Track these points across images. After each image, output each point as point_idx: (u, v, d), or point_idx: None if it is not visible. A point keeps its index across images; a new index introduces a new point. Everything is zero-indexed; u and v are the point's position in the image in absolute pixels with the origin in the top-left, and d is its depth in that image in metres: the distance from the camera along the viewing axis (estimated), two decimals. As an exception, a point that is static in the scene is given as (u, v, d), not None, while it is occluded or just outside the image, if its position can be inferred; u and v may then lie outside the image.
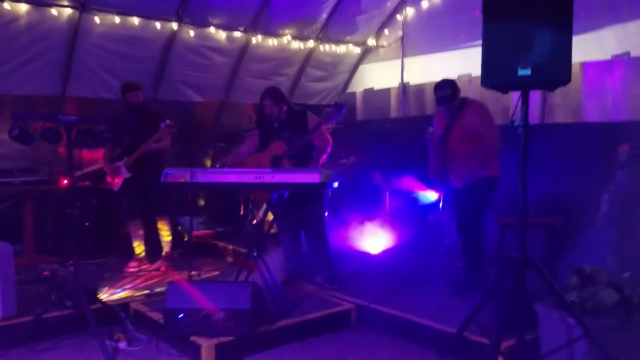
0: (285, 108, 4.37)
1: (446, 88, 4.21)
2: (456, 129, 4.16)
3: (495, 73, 2.71)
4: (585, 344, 2.84)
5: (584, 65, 5.22)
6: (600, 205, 4.45)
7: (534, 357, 3.05)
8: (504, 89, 2.95)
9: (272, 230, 4.70)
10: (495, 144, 3.98)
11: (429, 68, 6.86)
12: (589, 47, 5.18)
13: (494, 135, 4.00)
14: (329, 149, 4.37)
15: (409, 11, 7.03)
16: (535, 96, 5.43)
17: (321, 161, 4.38)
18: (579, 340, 2.84)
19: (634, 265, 4.07)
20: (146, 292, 4.41)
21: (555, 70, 2.60)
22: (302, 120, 4.35)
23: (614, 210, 4.38)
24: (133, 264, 5.19)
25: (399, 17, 7.14)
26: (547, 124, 5.48)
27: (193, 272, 4.62)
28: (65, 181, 5.19)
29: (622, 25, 5.09)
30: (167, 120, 4.91)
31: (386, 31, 7.34)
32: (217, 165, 4.16)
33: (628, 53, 5.02)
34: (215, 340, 3.30)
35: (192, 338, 3.36)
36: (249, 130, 6.93)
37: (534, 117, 5.45)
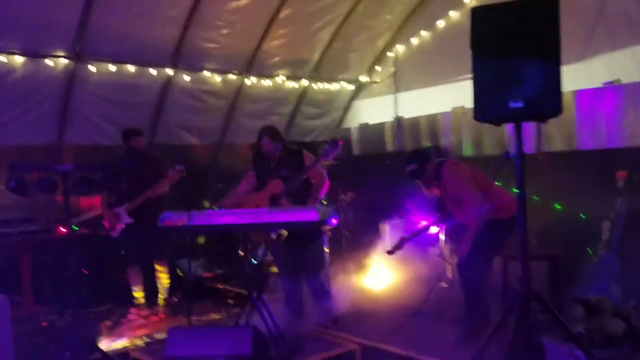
0: (281, 147, 4.38)
1: (412, 162, 4.22)
2: (444, 193, 4.15)
3: (487, 107, 2.72)
4: (596, 377, 2.77)
5: (576, 93, 5.28)
6: (601, 233, 4.43)
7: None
8: (497, 122, 2.96)
9: (272, 270, 4.66)
10: (475, 203, 3.80)
11: (423, 101, 6.96)
12: (580, 76, 5.26)
13: (471, 196, 3.87)
14: (326, 186, 4.38)
15: (400, 48, 7.17)
16: (529, 126, 5.47)
17: (319, 198, 4.37)
18: (589, 373, 2.77)
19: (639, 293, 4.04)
20: (146, 339, 4.33)
21: (547, 102, 2.62)
22: (298, 159, 4.37)
23: (616, 237, 4.36)
24: (132, 311, 5.11)
25: (389, 54, 7.27)
26: (542, 153, 5.50)
27: (193, 317, 4.54)
28: (63, 230, 5.17)
29: (611, 53, 5.18)
30: (178, 166, 4.93)
31: (378, 68, 7.46)
32: (215, 208, 4.14)
33: (619, 80, 5.09)
34: (217, 388, 3.22)
35: (194, 386, 3.28)
36: (246, 170, 6.99)
37: (530, 147, 5.47)
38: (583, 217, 4.71)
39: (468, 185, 3.94)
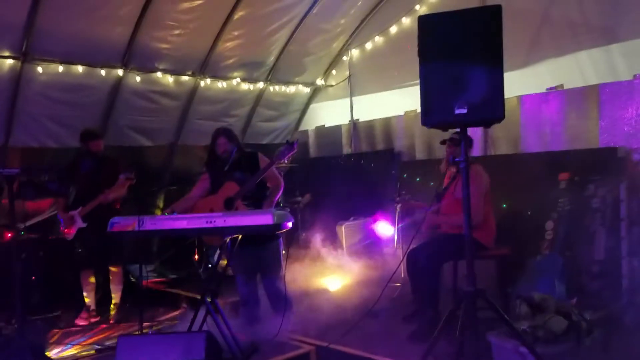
0: (235, 149, 4.37)
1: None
2: (454, 187, 4.25)
3: (433, 113, 2.81)
4: (539, 372, 2.89)
5: (521, 98, 5.47)
6: (545, 232, 4.61)
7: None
8: (443, 127, 3.05)
9: (227, 273, 4.63)
10: (475, 217, 3.75)
11: (377, 105, 7.07)
12: (525, 81, 5.46)
13: (476, 208, 3.79)
14: (281, 189, 4.39)
15: (354, 52, 7.26)
16: (477, 130, 5.64)
17: (274, 201, 4.38)
18: (533, 368, 2.89)
19: (581, 290, 4.22)
20: (96, 347, 4.24)
21: (490, 108, 2.72)
22: (253, 161, 4.36)
23: (559, 236, 4.54)
24: (83, 315, 4.99)
25: (345, 58, 7.35)
26: (489, 156, 5.67)
27: (145, 323, 4.47)
28: (9, 234, 4.99)
29: (555, 59, 5.39)
30: (127, 173, 4.84)
31: (334, 71, 7.53)
32: (166, 213, 4.08)
33: (562, 85, 5.30)
34: (169, 395, 3.19)
35: (145, 394, 3.23)
36: (200, 173, 6.92)
37: (477, 150, 5.65)
38: (529, 213, 4.87)
39: (479, 199, 4.02)
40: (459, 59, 2.75)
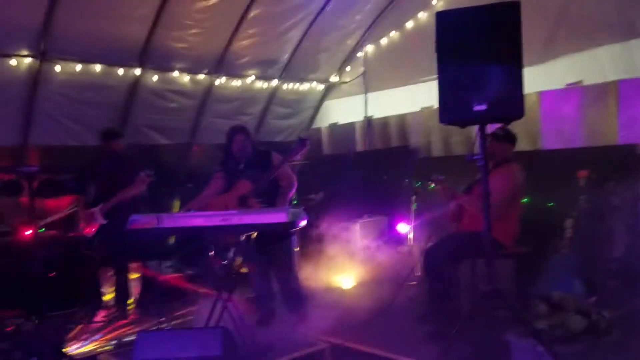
0: (250, 147, 4.38)
1: (505, 130, 4.13)
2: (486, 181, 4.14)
3: (451, 110, 2.79)
4: (557, 371, 2.86)
5: (541, 94, 5.41)
6: (564, 231, 4.56)
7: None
8: (461, 124, 3.03)
9: (242, 271, 4.66)
10: (497, 213, 3.67)
11: (392, 101, 7.04)
12: (544, 77, 5.40)
13: (499, 206, 3.76)
14: (294, 187, 4.41)
15: (369, 48, 7.23)
16: (494, 127, 5.58)
17: (288, 199, 4.39)
18: (551, 368, 2.86)
19: (600, 289, 4.17)
20: (115, 342, 4.28)
21: (509, 105, 2.69)
22: (266, 159, 4.37)
23: (578, 235, 4.49)
24: (102, 312, 5.05)
25: (359, 54, 7.33)
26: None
27: (162, 319, 4.51)
28: (29, 232, 5.06)
29: (574, 55, 5.33)
30: (147, 171, 4.88)
31: (348, 68, 7.51)
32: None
33: (581, 81, 5.23)
34: (187, 390, 3.21)
35: (164, 389, 3.26)
36: (219, 170, 6.95)
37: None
38: (551, 204, 4.81)
39: (506, 197, 3.93)
40: (478, 55, 2.73)
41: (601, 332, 3.01)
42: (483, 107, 2.70)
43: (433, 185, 4.27)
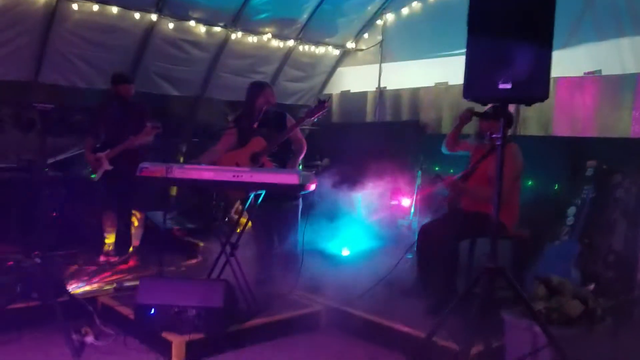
0: (265, 108, 4.37)
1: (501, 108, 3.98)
2: (486, 163, 4.08)
3: (476, 86, 2.76)
4: (550, 352, 2.92)
5: (557, 80, 5.37)
6: (566, 218, 4.59)
7: (500, 364, 3.13)
8: (484, 101, 3.02)
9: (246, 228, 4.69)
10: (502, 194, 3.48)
11: (407, 74, 6.95)
12: (562, 64, 5.33)
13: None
14: (303, 151, 4.44)
15: (389, 17, 7.11)
16: (509, 109, 5.56)
17: (297, 162, 4.40)
18: (544, 348, 2.92)
19: (595, 278, 4.23)
20: (114, 286, 4.34)
21: (535, 86, 2.67)
22: (280, 120, 4.38)
23: (580, 223, 4.52)
24: (102, 256, 5.11)
25: (379, 22, 7.22)
26: (518, 136, 5.60)
27: (163, 268, 4.57)
28: (37, 169, 5.07)
29: (595, 44, 5.26)
30: (154, 122, 4.87)
31: (366, 35, 7.40)
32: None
33: (600, 71, 5.19)
34: (186, 337, 3.28)
35: (163, 334, 3.33)
36: (224, 127, 6.94)
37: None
38: (555, 190, 4.82)
39: (512, 180, 3.90)
40: (508, 33, 2.69)
41: (596, 319, 3.07)
42: (508, 85, 2.68)
43: (441, 182, 4.24)
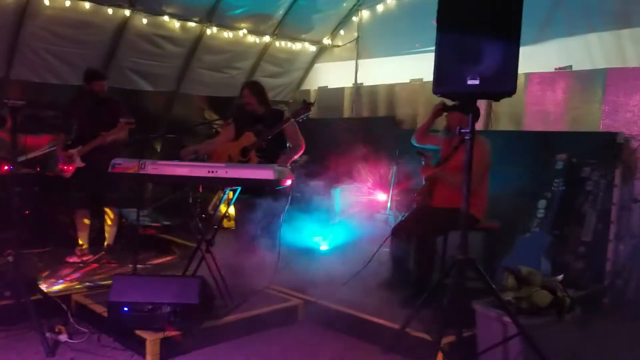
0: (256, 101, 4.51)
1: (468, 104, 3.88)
2: (456, 156, 4.05)
3: (446, 82, 2.81)
4: (520, 342, 2.99)
5: (528, 76, 5.46)
6: (537, 210, 4.69)
7: (472, 353, 3.19)
8: (453, 97, 3.06)
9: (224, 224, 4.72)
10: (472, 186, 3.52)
11: (383, 70, 7.02)
12: (533, 59, 5.43)
13: (474, 179, 3.56)
14: (300, 150, 4.51)
15: (365, 13, 7.15)
16: (480, 104, 5.62)
17: (291, 159, 4.46)
18: (514, 338, 2.99)
19: (565, 269, 4.33)
20: (88, 284, 4.31)
21: (502, 81, 2.73)
22: (277, 118, 4.45)
23: (550, 215, 4.62)
24: (76, 253, 5.05)
25: (354, 18, 7.26)
26: (490, 131, 5.70)
27: (139, 265, 4.54)
28: (6, 167, 4.99)
29: (566, 39, 5.36)
30: (127, 118, 4.83)
31: (342, 31, 7.44)
32: (191, 158, 4.40)
33: (570, 67, 5.29)
34: (160, 335, 3.27)
35: (137, 332, 3.31)
36: (202, 123, 6.93)
37: (479, 124, 5.65)
38: (527, 181, 4.89)
39: (482, 170, 4.00)
40: (477, 29, 2.75)
41: (565, 308, 3.14)
42: (476, 81, 2.73)
43: (423, 161, 4.31)
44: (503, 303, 3.01)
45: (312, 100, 7.75)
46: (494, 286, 3.04)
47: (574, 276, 4.45)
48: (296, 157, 4.50)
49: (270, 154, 4.34)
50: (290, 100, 7.80)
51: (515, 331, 2.97)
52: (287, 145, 4.51)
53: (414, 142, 4.61)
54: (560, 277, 3.35)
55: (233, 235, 4.59)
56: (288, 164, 4.32)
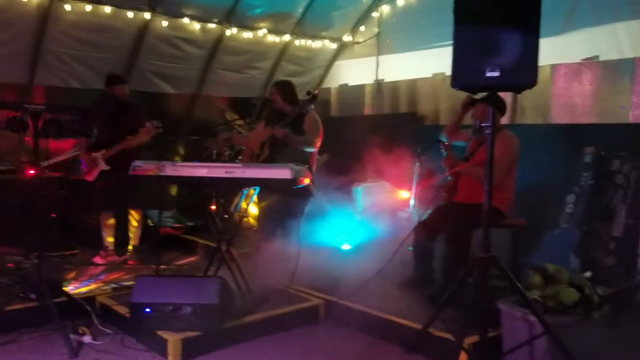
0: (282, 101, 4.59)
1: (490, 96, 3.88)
2: (479, 152, 3.97)
3: (464, 74, 2.74)
4: (546, 341, 2.91)
5: (554, 67, 5.32)
6: (565, 205, 4.56)
7: (496, 354, 3.11)
8: (473, 90, 2.99)
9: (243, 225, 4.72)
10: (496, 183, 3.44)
11: (404, 66, 6.92)
12: (559, 50, 5.29)
13: (499, 175, 3.61)
14: (309, 145, 4.48)
15: (385, 8, 7.07)
16: (505, 97, 5.51)
17: (297, 142, 4.42)
18: (540, 337, 2.90)
19: (596, 265, 4.20)
20: (113, 285, 4.35)
21: (523, 73, 2.64)
22: (300, 119, 4.47)
23: (579, 211, 4.49)
24: (101, 255, 5.12)
25: (374, 14, 7.17)
26: (516, 125, 5.57)
27: (162, 266, 4.57)
28: (32, 171, 5.08)
29: (592, 29, 5.20)
30: (155, 121, 4.88)
31: (362, 28, 7.36)
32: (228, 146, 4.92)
33: (597, 57, 5.13)
34: (181, 335, 3.28)
35: (159, 332, 3.32)
36: (222, 123, 6.97)
37: (504, 118, 5.52)
38: (554, 178, 4.79)
39: (507, 164, 3.91)
40: (495, 20, 2.67)
41: (593, 306, 3.04)
42: (496, 73, 2.65)
43: (444, 150, 4.22)
44: (528, 301, 2.93)
45: (332, 97, 7.74)
46: (518, 284, 2.96)
47: (604, 273, 4.30)
48: (303, 145, 4.46)
49: (283, 146, 4.39)
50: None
51: (541, 330, 2.88)
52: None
53: (443, 138, 4.52)
54: (588, 274, 3.24)
55: (252, 235, 4.59)
56: (297, 143, 4.37)
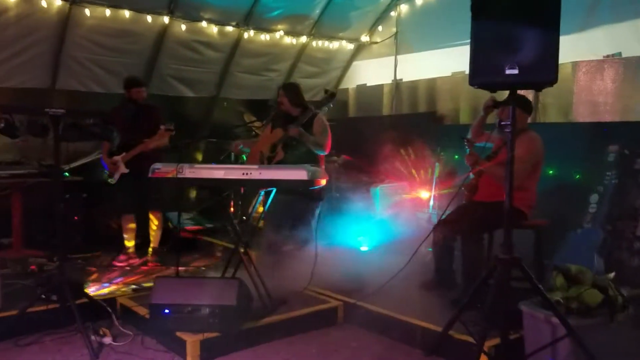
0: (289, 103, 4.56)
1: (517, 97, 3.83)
2: (500, 151, 4.01)
3: (482, 72, 2.70)
4: (569, 344, 2.84)
5: (576, 65, 5.23)
6: (588, 205, 4.47)
7: (518, 356, 3.05)
8: (492, 88, 2.94)
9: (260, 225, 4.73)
10: (518, 182, 3.51)
11: (423, 65, 6.87)
12: (581, 47, 5.20)
13: (521, 176, 3.68)
14: (323, 140, 4.44)
15: (403, 8, 7.03)
16: (527, 95, 5.43)
17: (308, 140, 4.41)
18: (563, 339, 2.84)
19: (620, 266, 4.10)
20: (134, 287, 4.39)
21: (543, 70, 2.60)
22: (310, 121, 4.45)
23: (603, 210, 4.40)
24: (122, 258, 5.17)
25: (392, 13, 7.14)
26: (538, 123, 5.48)
27: (181, 268, 4.60)
28: (54, 174, 5.15)
29: (614, 25, 5.10)
30: (167, 124, 4.92)
31: (380, 27, 7.32)
32: (241, 147, 4.83)
33: (619, 54, 5.03)
34: (200, 336, 3.29)
35: (178, 333, 3.34)
36: (239, 125, 6.99)
37: (528, 117, 5.45)
38: (577, 177, 4.71)
39: (528, 165, 3.84)
40: (514, 17, 2.62)
41: (617, 308, 2.96)
42: (515, 71, 2.61)
43: (467, 147, 4.15)
44: (551, 303, 2.87)
45: (350, 98, 7.71)
46: (540, 286, 2.90)
47: (629, 273, 4.20)
48: (313, 144, 4.43)
49: (296, 149, 4.39)
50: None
51: (564, 332, 2.82)
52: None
53: (469, 137, 4.46)
54: (612, 274, 3.17)
55: (265, 236, 4.58)
56: (308, 141, 4.36)
